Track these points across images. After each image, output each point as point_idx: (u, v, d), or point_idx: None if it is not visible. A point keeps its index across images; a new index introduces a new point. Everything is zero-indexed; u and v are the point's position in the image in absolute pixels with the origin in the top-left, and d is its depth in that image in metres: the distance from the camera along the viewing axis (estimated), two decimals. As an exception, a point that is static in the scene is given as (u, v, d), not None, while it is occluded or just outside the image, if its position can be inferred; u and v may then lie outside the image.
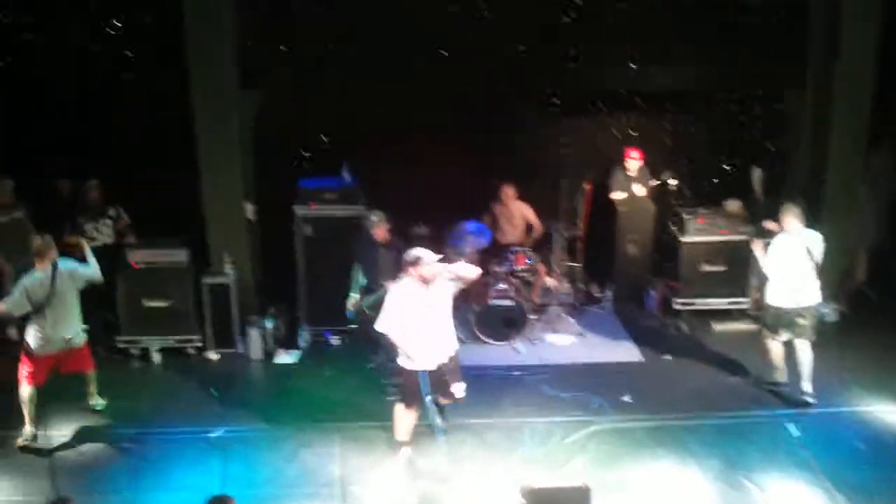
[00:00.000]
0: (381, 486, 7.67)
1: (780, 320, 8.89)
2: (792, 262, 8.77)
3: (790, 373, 9.05)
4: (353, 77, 10.87)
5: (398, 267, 9.09)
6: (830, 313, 10.71)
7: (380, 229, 9.38)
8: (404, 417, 7.90)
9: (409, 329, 7.54)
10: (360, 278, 9.47)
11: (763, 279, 9.16)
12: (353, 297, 9.47)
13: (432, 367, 7.61)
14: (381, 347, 9.28)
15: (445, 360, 7.73)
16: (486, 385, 9.35)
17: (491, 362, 10.01)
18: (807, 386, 8.83)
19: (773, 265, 8.84)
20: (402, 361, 7.69)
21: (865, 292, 11.43)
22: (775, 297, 8.90)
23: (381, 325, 7.66)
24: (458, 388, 7.80)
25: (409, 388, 7.66)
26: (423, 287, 7.53)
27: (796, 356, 8.88)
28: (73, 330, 8.41)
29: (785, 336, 8.93)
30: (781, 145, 11.91)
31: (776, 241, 8.91)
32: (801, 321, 8.78)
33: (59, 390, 8.62)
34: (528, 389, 9.38)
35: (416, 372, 7.52)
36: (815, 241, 8.86)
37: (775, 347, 9.07)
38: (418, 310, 7.52)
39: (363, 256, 9.41)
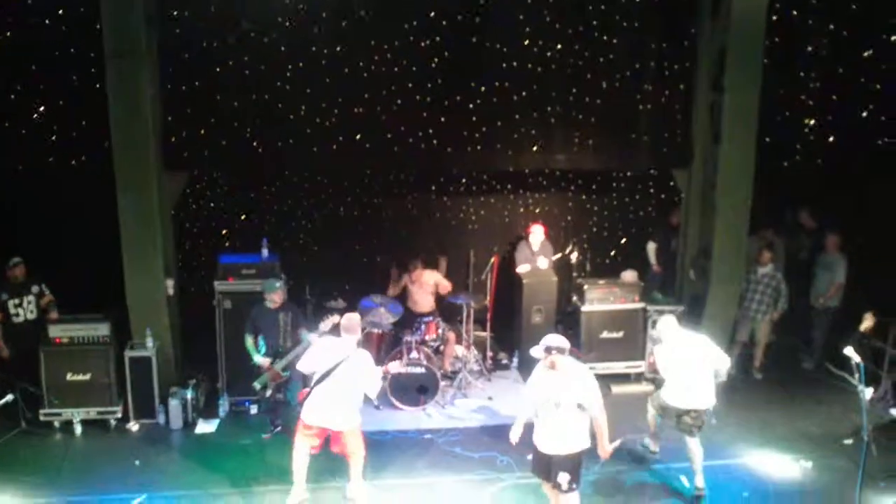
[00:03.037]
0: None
1: (666, 412, 9.04)
2: (681, 367, 8.80)
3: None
4: (272, 160, 11.27)
5: (295, 328, 9.81)
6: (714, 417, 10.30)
7: (278, 295, 9.94)
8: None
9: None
10: (259, 345, 9.96)
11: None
12: (262, 359, 9.88)
13: (549, 452, 7.75)
14: (286, 409, 10.00)
15: (560, 453, 7.72)
16: (401, 448, 9.83)
17: (405, 426, 10.41)
18: (699, 480, 8.79)
19: (664, 371, 8.96)
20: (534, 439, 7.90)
21: (751, 353, 12.06)
22: (666, 392, 9.01)
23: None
24: (563, 479, 7.72)
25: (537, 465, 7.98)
26: (552, 374, 7.65)
27: (687, 449, 8.86)
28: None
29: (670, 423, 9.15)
30: (673, 220, 12.71)
31: (659, 355, 9.01)
32: (686, 419, 8.81)
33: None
34: (440, 450, 9.82)
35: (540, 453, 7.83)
36: (701, 345, 8.86)
37: (651, 416, 9.44)
38: (546, 395, 7.65)
39: (264, 323, 9.96)
